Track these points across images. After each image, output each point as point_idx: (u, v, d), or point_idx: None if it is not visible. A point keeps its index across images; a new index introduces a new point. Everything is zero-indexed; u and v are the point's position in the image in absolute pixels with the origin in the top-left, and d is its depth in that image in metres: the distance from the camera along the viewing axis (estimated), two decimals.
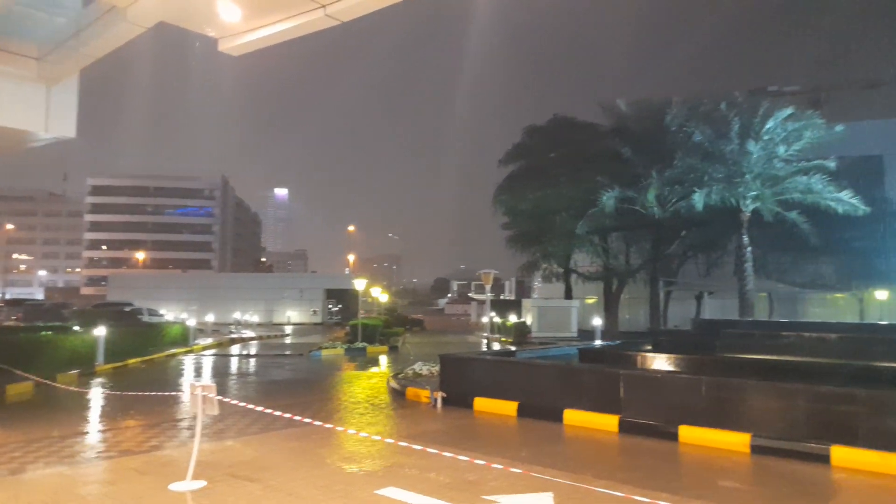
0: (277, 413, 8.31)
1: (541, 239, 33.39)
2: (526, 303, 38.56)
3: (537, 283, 53.69)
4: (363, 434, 8.95)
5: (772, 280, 34.42)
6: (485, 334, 26.05)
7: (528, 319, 33.82)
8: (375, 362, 20.53)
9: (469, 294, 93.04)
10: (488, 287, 24.00)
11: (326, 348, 23.50)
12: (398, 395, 12.76)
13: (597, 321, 24.82)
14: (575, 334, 31.52)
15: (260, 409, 8.61)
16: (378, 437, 8.66)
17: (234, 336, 30.59)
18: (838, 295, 35.95)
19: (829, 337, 11.60)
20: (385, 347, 24.66)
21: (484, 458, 7.06)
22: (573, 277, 36.90)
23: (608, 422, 9.44)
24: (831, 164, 25.45)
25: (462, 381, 11.78)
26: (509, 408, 10.64)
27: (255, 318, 42.97)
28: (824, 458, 7.50)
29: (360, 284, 28.04)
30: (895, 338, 11.75)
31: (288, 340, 32.06)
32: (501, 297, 73.50)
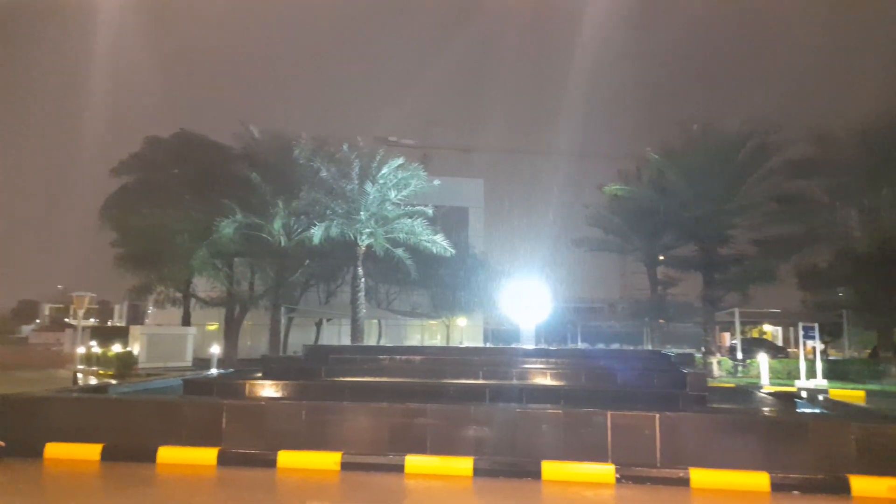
0: None
1: (157, 260, 30.58)
2: (134, 330, 34.73)
3: (151, 309, 48.88)
4: None
5: (382, 308, 38.39)
6: (78, 367, 22.40)
7: (136, 348, 30.54)
8: None
9: (66, 320, 79.36)
10: (81, 313, 20.83)
11: None
12: None
13: (214, 349, 23.74)
14: (190, 363, 29.62)
15: None
16: None
17: None
18: (432, 322, 42.00)
19: (416, 359, 13.34)
20: None
21: None
22: (192, 303, 34.77)
23: (207, 455, 8.99)
24: (430, 212, 29.65)
25: (30, 425, 9.82)
26: (91, 452, 9.26)
27: None
28: (400, 468, 8.47)
29: None
30: (463, 359, 14.16)
31: None
32: (109, 324, 64.87)
